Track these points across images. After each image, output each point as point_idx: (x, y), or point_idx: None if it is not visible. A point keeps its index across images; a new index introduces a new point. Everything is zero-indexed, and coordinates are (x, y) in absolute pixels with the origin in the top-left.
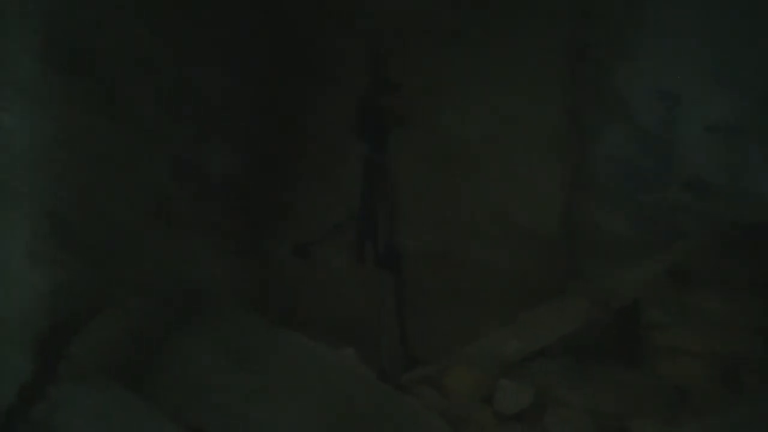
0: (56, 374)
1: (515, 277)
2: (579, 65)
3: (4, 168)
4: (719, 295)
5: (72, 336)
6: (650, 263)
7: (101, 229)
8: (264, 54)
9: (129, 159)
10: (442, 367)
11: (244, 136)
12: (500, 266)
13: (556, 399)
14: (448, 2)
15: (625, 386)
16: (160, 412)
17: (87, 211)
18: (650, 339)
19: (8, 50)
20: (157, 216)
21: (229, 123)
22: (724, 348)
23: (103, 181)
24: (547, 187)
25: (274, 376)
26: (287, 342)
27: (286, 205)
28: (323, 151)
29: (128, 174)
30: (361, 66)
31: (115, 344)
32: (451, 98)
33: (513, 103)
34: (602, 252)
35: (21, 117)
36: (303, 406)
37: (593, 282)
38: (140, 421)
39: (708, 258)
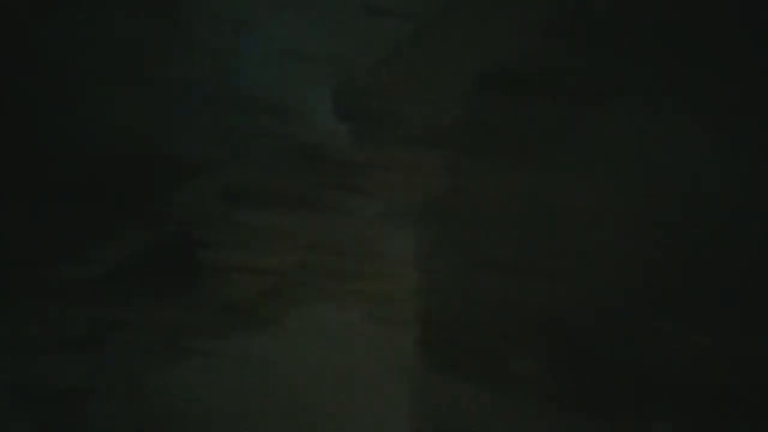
0: None
1: None
2: None
3: None
4: (271, 212)
5: None
6: (206, 183)
7: None
8: None
9: None
10: None
11: None
12: None
13: (119, 322)
14: None
15: (182, 305)
16: None
17: None
18: (204, 258)
19: None
20: None
21: None
22: (274, 263)
23: None
24: (124, 111)
25: None
26: None
27: None
28: None
29: None
30: None
31: None
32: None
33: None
34: (177, 176)
35: None
36: None
37: (157, 205)
38: None
39: (264, 177)
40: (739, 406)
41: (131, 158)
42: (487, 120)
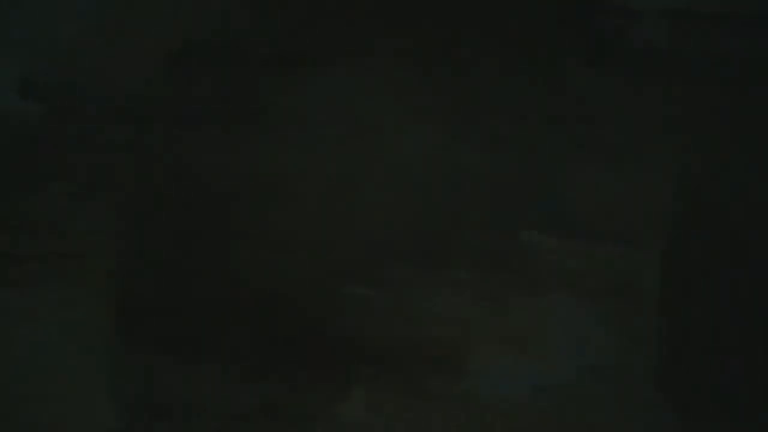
0: None
1: None
2: None
3: None
4: None
5: None
6: None
7: None
8: None
9: None
10: None
11: None
12: None
13: None
14: None
15: None
16: None
17: None
18: None
19: None
20: None
21: None
22: None
23: None
24: None
25: None
26: None
27: None
28: None
29: None
30: None
31: None
32: None
33: None
34: None
35: None
36: None
37: None
38: None
39: None
40: (436, 367)
41: None
42: (179, 92)
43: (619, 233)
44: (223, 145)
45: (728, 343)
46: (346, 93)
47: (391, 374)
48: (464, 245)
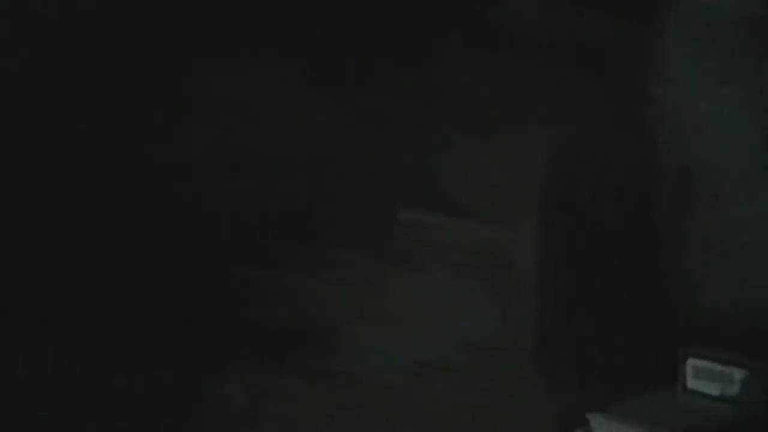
0: None
1: None
2: None
3: None
4: None
5: None
6: None
7: None
8: None
9: None
10: None
11: None
12: None
13: None
14: None
15: None
16: None
17: None
18: None
19: None
20: None
21: None
22: None
23: None
24: None
25: None
26: None
27: None
28: None
29: None
30: None
31: None
32: None
33: None
34: None
35: None
36: None
37: None
38: None
39: None
40: (315, 345)
41: None
42: (64, 75)
43: (495, 211)
44: (106, 131)
45: (601, 317)
46: (229, 77)
47: (270, 353)
48: (342, 223)
